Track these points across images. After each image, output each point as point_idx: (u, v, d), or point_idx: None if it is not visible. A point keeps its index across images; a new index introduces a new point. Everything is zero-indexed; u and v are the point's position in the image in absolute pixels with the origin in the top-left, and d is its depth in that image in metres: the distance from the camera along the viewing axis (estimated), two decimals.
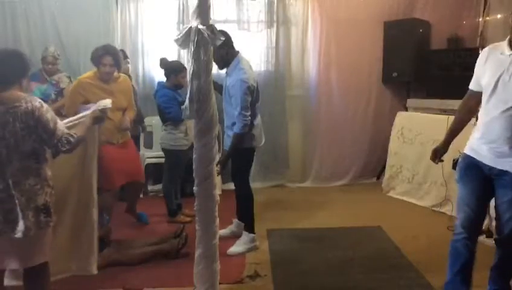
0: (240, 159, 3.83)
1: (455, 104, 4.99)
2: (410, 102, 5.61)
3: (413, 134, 5.31)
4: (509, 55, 2.48)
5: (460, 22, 5.71)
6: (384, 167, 5.80)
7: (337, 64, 5.89)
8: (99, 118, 2.81)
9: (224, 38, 2.63)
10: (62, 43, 5.45)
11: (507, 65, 2.47)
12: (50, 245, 2.53)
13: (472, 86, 2.73)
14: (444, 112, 4.91)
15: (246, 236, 3.87)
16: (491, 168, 2.57)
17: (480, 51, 5.29)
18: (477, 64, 2.68)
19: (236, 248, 3.80)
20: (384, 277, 3.37)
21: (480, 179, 2.64)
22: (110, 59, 3.77)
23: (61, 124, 2.49)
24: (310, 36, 5.85)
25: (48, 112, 2.39)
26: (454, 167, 2.81)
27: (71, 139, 2.45)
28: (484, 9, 5.50)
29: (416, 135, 5.24)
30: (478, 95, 2.65)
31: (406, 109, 5.67)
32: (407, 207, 5.09)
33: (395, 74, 5.75)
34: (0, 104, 2.31)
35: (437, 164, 3.02)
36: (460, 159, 2.80)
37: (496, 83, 2.49)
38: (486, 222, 3.76)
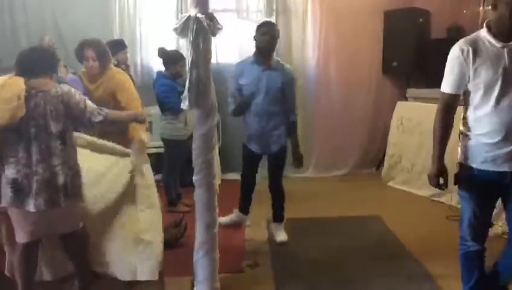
0: (285, 156, 3.91)
1: None
2: (410, 92, 5.60)
3: (413, 124, 5.30)
4: (502, 46, 2.28)
5: (461, 11, 5.68)
6: (383, 157, 5.80)
7: (336, 54, 5.86)
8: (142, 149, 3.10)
9: (221, 27, 2.61)
10: (60, 33, 5.42)
11: (506, 56, 2.27)
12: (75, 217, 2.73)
13: (453, 88, 2.41)
14: None
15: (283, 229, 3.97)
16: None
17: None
18: (456, 64, 2.39)
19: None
20: (384, 265, 3.38)
21: (495, 194, 2.44)
22: (91, 52, 3.41)
23: (90, 103, 2.71)
24: (310, 26, 5.82)
25: (76, 93, 2.65)
26: (456, 182, 2.48)
27: (102, 112, 2.69)
28: None
29: (416, 125, 5.24)
30: (458, 98, 2.43)
31: (406, 99, 5.67)
32: (407, 197, 5.11)
33: (395, 64, 5.73)
34: (32, 88, 2.52)
35: (444, 189, 2.64)
36: (463, 175, 2.47)
37: (504, 78, 2.26)
38: None
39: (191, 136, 3.05)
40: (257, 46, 3.65)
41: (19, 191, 2.50)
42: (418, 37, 5.59)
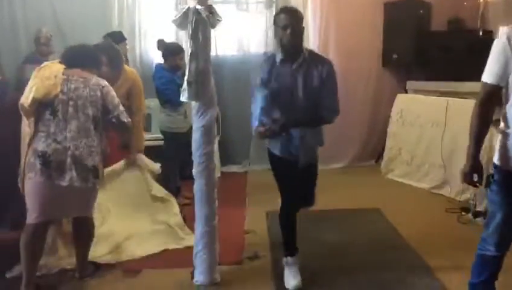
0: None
1: (455, 86, 5.03)
2: (410, 84, 5.58)
3: (412, 116, 5.29)
4: None
5: (461, 3, 5.64)
6: (383, 150, 5.80)
7: (336, 46, 5.84)
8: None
9: (221, 19, 2.59)
10: (59, 25, 5.39)
11: None
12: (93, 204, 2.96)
13: (495, 79, 2.17)
14: (444, 94, 4.89)
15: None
16: None
17: (480, 33, 5.23)
18: (499, 52, 2.16)
19: None
20: (383, 258, 3.39)
21: None
22: (104, 59, 3.41)
23: (119, 104, 2.95)
24: (309, 18, 5.78)
25: (112, 90, 2.91)
26: (487, 184, 2.29)
27: (128, 117, 2.95)
28: None
29: (416, 118, 5.23)
30: (500, 91, 2.20)
31: (406, 91, 5.65)
32: (406, 189, 5.11)
33: (395, 56, 5.71)
34: (75, 75, 2.81)
35: (477, 186, 2.48)
36: (496, 175, 2.27)
37: None
38: (484, 202, 3.78)
39: (190, 129, 3.05)
40: (280, 44, 2.80)
41: (49, 164, 2.66)
42: (418, 29, 5.56)
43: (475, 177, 2.32)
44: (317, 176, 3.26)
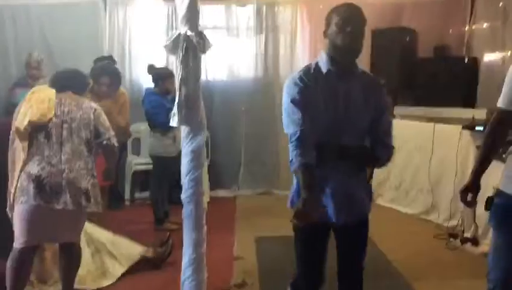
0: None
1: (442, 112, 5.10)
2: (398, 110, 5.64)
3: (400, 141, 5.29)
4: None
5: (447, 30, 5.77)
6: (372, 174, 5.81)
7: None
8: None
9: (211, 45, 2.61)
10: (49, 49, 5.41)
11: None
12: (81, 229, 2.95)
13: (506, 103, 2.12)
14: (431, 119, 4.95)
15: None
16: None
17: (466, 60, 5.36)
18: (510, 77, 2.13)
19: None
20: (372, 284, 3.35)
21: None
22: (107, 79, 3.91)
23: (110, 127, 2.97)
24: (299, 43, 5.87)
25: (103, 113, 2.95)
26: (487, 207, 2.20)
27: (116, 142, 2.98)
28: (470, 18, 5.58)
29: (404, 143, 5.26)
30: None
31: (394, 117, 5.70)
32: (395, 214, 5.11)
33: (382, 82, 5.77)
34: (68, 98, 2.85)
35: (472, 207, 2.43)
36: (497, 199, 2.17)
37: None
38: (472, 228, 3.79)
39: (179, 153, 3.05)
40: (334, 46, 2.08)
41: (43, 187, 2.64)
42: (405, 56, 5.67)
43: (469, 197, 2.28)
44: (366, 245, 2.34)
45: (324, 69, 2.11)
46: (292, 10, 5.82)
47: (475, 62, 5.26)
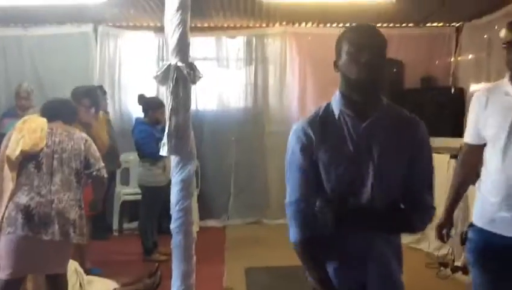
0: None
1: (430, 141, 5.15)
2: None
3: None
4: None
5: (433, 62, 5.90)
6: None
7: (315, 102, 5.96)
8: None
9: (201, 76, 2.64)
10: (40, 80, 5.42)
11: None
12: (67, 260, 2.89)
13: (470, 139, 2.18)
14: None
15: None
16: None
17: (452, 90, 5.45)
18: (472, 111, 2.15)
19: None
20: None
21: (504, 263, 2.00)
22: (88, 101, 3.88)
23: (100, 158, 2.96)
24: (288, 74, 5.95)
25: (93, 144, 2.95)
26: (463, 242, 2.17)
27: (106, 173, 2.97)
28: (456, 49, 5.71)
29: None
30: (479, 150, 2.13)
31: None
32: None
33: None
34: (59, 128, 2.84)
35: (446, 242, 2.41)
36: (471, 234, 2.13)
37: (511, 131, 1.98)
38: (462, 257, 3.79)
39: (169, 183, 3.04)
40: (347, 82, 1.66)
41: (31, 218, 2.61)
42: (392, 87, 5.74)
43: (444, 232, 2.33)
44: None
45: (336, 111, 1.66)
46: (281, 42, 5.91)
47: (461, 92, 5.35)
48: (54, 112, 2.93)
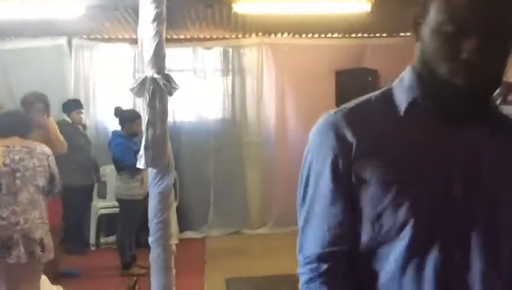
0: None
1: None
2: None
3: None
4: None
5: (405, 69, 6.00)
6: None
7: (292, 111, 6.02)
8: None
9: (178, 87, 2.63)
10: (12, 94, 5.30)
11: None
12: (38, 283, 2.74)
13: None
14: None
15: None
16: None
17: None
18: None
19: None
20: None
21: None
22: (41, 105, 3.84)
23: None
24: (265, 84, 5.97)
25: (53, 158, 2.81)
26: None
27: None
28: None
29: None
30: None
31: None
32: None
33: None
34: (17, 144, 2.68)
35: None
36: None
37: None
38: None
39: (147, 196, 3.01)
40: (433, 61, 0.91)
41: None
42: (367, 94, 5.84)
43: None
44: None
45: (403, 104, 0.98)
46: (258, 53, 5.93)
47: None
48: (8, 127, 2.77)
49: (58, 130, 4.02)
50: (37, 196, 2.66)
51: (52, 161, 2.79)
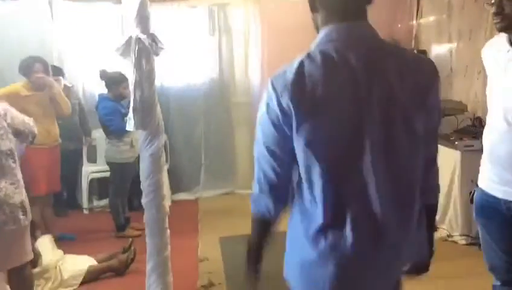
0: None
1: None
2: None
3: None
4: (508, 50, 1.84)
5: (396, 25, 5.94)
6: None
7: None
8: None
9: (164, 47, 2.58)
10: None
11: (504, 64, 1.87)
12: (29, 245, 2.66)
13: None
14: None
15: None
16: (506, 203, 1.90)
17: (415, 52, 5.55)
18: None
19: None
20: None
21: (498, 221, 1.97)
22: (41, 66, 3.83)
23: (25, 117, 2.75)
24: (252, 43, 5.88)
25: (13, 110, 2.66)
26: (472, 200, 2.19)
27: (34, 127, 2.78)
28: (417, 12, 5.77)
29: None
30: None
31: None
32: None
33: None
34: None
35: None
36: (476, 194, 2.14)
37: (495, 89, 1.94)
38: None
39: (137, 158, 3.00)
40: None
41: None
42: None
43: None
44: None
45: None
46: (244, 11, 5.80)
47: (424, 54, 5.44)
48: None
49: (62, 91, 4.05)
50: (4, 161, 2.49)
51: (11, 117, 2.60)
